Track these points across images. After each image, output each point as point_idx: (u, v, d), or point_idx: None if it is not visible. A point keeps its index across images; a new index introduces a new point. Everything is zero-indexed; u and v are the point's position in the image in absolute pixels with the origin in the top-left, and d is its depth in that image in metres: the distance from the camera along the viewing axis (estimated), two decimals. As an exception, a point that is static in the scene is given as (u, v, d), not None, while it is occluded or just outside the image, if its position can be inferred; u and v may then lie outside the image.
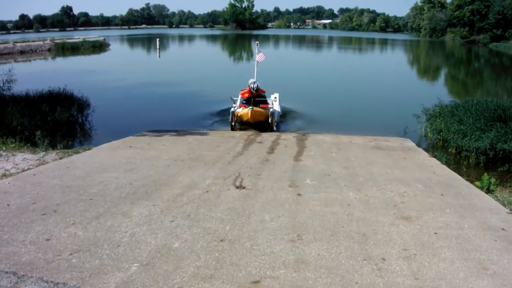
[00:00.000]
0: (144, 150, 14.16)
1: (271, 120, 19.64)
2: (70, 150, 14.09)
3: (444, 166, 13.37)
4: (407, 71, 57.05)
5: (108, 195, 9.29)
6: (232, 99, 20.25)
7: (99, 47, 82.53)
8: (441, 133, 18.24)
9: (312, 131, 19.90)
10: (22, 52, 68.91)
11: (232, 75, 43.83)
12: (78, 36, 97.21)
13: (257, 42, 24.56)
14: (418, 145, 17.52)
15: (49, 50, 72.56)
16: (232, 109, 19.68)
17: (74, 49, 75.20)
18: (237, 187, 10.04)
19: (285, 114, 23.48)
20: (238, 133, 17.99)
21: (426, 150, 16.47)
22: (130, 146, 14.69)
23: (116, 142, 15.63)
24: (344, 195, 9.75)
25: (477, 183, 11.53)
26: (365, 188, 10.33)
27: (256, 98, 19.93)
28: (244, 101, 20.33)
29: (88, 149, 14.27)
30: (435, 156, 14.61)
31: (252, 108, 18.98)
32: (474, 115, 17.72)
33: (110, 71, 45.34)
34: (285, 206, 8.81)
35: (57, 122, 19.08)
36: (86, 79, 37.28)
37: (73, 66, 53.73)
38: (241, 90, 21.40)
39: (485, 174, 11.76)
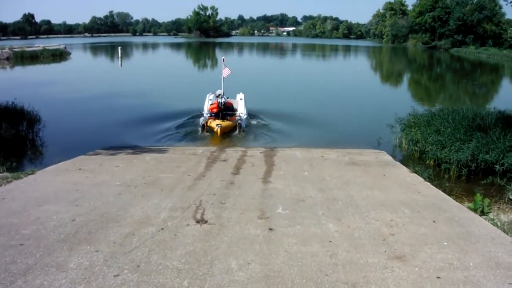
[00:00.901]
0: (95, 173, 12.60)
1: (239, 131, 20.80)
2: (10, 175, 12.43)
3: (428, 183, 12.18)
4: (373, 78, 56.49)
5: (44, 237, 7.69)
6: (202, 113, 21.47)
7: (59, 55, 79.95)
8: (417, 144, 16.99)
9: (280, 143, 18.91)
10: (-23, 61, 66.06)
11: (196, 85, 42.20)
12: (40, 44, 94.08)
13: (224, 58, 24.21)
14: (393, 156, 16.50)
15: (7, 59, 69.77)
16: (202, 122, 20.70)
17: (33, 58, 72.58)
18: (198, 221, 8.55)
19: (251, 118, 23.96)
20: (200, 149, 16.47)
21: (403, 162, 15.22)
22: (80, 168, 13.11)
23: (65, 163, 14.03)
24: (324, 227, 8.36)
25: (469, 204, 10.33)
26: (347, 217, 8.97)
27: (224, 112, 20.84)
28: (213, 115, 20.88)
29: (31, 173, 12.57)
30: (416, 172, 13.32)
31: (221, 126, 19.82)
32: (452, 125, 16.67)
33: (68, 81, 43.22)
34: (255, 247, 7.36)
35: (2, 139, 17.33)
36: (41, 90, 35.42)
37: (29, 76, 51.24)
38: (210, 104, 21.79)
39: (478, 194, 10.61)
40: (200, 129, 20.73)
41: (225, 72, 22.76)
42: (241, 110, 22.57)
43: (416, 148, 17.04)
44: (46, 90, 35.96)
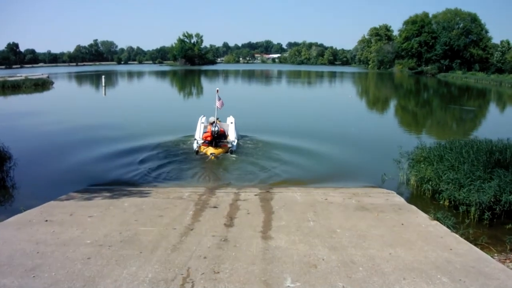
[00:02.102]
0: (63, 226, 10.65)
1: (231, 152, 21.34)
2: (-38, 231, 10.47)
3: (455, 235, 10.37)
4: (363, 105, 54.74)
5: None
6: (196, 140, 22.23)
7: (41, 85, 77.56)
8: (430, 183, 15.10)
9: (275, 180, 17.12)
10: (-43, 90, 63.84)
11: (182, 113, 40.92)
12: (24, 73, 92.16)
13: (218, 89, 24.42)
14: (400, 193, 14.86)
15: (-12, 89, 67.82)
16: (196, 148, 21.46)
17: (15, 88, 70.12)
18: (186, 305, 6.62)
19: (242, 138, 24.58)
20: (186, 192, 14.45)
21: (415, 204, 13.35)
22: (46, 220, 11.18)
23: (30, 212, 12.08)
24: (349, 311, 6.45)
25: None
26: (374, 292, 7.07)
27: (217, 139, 21.37)
28: (207, 142, 21.44)
29: (-12, 228, 10.64)
30: (437, 219, 11.44)
31: (214, 154, 20.51)
32: (468, 160, 14.82)
33: (47, 112, 40.89)
34: None
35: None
36: (17, 122, 33.43)
37: (8, 106, 49.18)
38: (204, 132, 22.19)
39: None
40: (194, 153, 21.29)
41: (220, 104, 23.32)
42: (231, 134, 23.17)
43: (428, 187, 15.13)
44: (23, 121, 33.83)
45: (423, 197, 15.09)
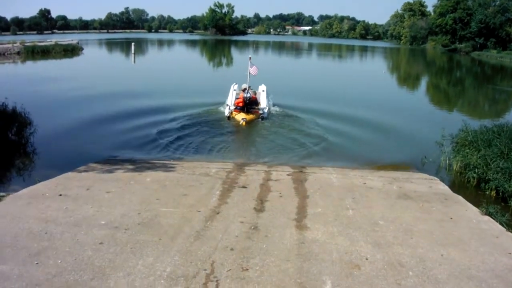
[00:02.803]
0: (77, 203, 9.72)
1: (262, 119, 21.82)
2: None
3: (512, 234, 9.13)
4: (397, 82, 52.78)
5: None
6: (228, 106, 22.84)
7: (71, 51, 77.33)
8: (475, 170, 13.82)
9: (309, 160, 15.90)
10: (-12, 56, 63.55)
11: (213, 82, 39.82)
12: (54, 39, 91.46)
13: (250, 56, 24.49)
14: (442, 180, 13.55)
15: (18, 53, 67.25)
16: (228, 114, 22.01)
17: (44, 53, 70.01)
18: (209, 312, 5.61)
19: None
20: (213, 168, 13.42)
21: (459, 193, 12.17)
22: (60, 194, 10.27)
23: (45, 184, 11.22)
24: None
25: None
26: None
27: (248, 106, 21.73)
28: (238, 108, 21.84)
29: (-2, 200, 9.76)
30: (489, 214, 10.23)
31: (246, 120, 20.83)
32: (522, 146, 13.53)
33: (75, 77, 40.20)
34: None
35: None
36: (44, 87, 32.75)
37: (36, 71, 48.20)
38: (237, 98, 22.54)
39: None
40: (226, 118, 21.85)
41: (253, 70, 23.41)
42: (263, 102, 23.59)
43: (473, 175, 13.85)
44: (48, 87, 33.08)
45: (467, 186, 13.84)
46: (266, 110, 22.75)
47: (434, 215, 9.98)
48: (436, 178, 13.62)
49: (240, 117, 21.13)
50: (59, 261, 6.93)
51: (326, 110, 24.99)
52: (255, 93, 23.73)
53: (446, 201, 11.12)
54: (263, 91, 24.58)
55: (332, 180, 12.55)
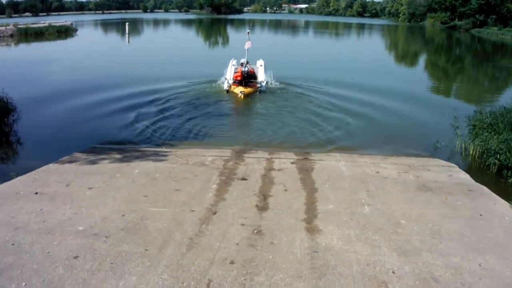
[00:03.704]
0: (54, 202, 8.48)
1: (259, 92, 22.61)
2: None
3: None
4: (397, 60, 51.36)
5: None
6: (226, 80, 23.49)
7: (64, 32, 75.86)
8: (497, 156, 12.55)
9: (311, 140, 15.19)
10: (-19, 39, 62.21)
11: (208, 61, 38.01)
12: (50, 21, 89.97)
13: (248, 31, 26.43)
14: (458, 164, 12.47)
15: (11, 36, 65.82)
16: (226, 88, 22.78)
17: (38, 35, 68.59)
18: None
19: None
20: (209, 156, 12.13)
21: (478, 180, 10.99)
22: (36, 192, 9.01)
23: (21, 180, 9.95)
24: None
25: None
26: None
27: (246, 79, 22.60)
28: (237, 82, 22.58)
29: (-35, 200, 8.51)
30: (521, 208, 9.01)
31: (244, 93, 21.44)
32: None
33: (66, 59, 38.46)
34: None
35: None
36: (31, 71, 31.16)
37: (26, 54, 46.71)
38: (235, 72, 23.31)
39: None
40: (225, 91, 22.59)
41: (248, 44, 24.66)
42: (261, 76, 24.10)
43: (495, 161, 12.59)
44: (38, 70, 31.54)
45: (487, 172, 12.61)
46: (264, 84, 23.42)
47: (461, 211, 8.76)
48: (454, 165, 12.36)
49: (239, 90, 21.75)
50: (24, 283, 5.70)
51: (328, 89, 23.93)
52: (253, 68, 23.98)
53: (470, 193, 9.88)
54: (261, 65, 25.02)
55: (342, 169, 11.30)
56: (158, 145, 13.90)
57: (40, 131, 16.14)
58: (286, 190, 9.48)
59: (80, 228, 7.34)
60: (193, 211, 8.16)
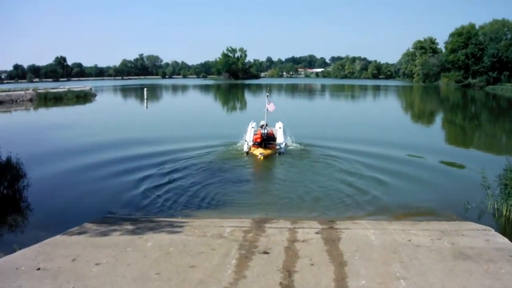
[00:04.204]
0: (57, 281, 7.77)
1: (279, 154, 22.80)
2: None
3: None
4: (414, 119, 50.57)
5: None
6: (246, 141, 23.74)
7: (83, 97, 77.09)
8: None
9: (334, 206, 14.46)
10: (1, 102, 63.14)
11: (226, 126, 38.22)
12: (70, 86, 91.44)
13: (267, 94, 27.16)
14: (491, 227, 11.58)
15: (30, 100, 66.96)
16: (246, 150, 23.02)
17: (57, 100, 69.86)
18: None
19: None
20: (228, 227, 11.35)
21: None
22: (38, 268, 8.32)
23: (24, 253, 9.34)
24: None
25: None
26: None
27: (266, 141, 22.91)
28: (256, 144, 22.86)
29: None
30: None
31: (263, 154, 21.71)
32: None
33: (83, 124, 38.71)
34: None
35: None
36: (47, 135, 31.32)
37: (44, 118, 47.30)
38: (254, 134, 23.67)
39: None
40: (245, 153, 22.81)
41: (271, 107, 25.40)
42: (280, 139, 24.36)
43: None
44: (54, 135, 31.64)
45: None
46: (283, 146, 23.66)
47: (506, 281, 7.87)
48: (489, 228, 11.51)
49: (258, 152, 22.08)
50: None
51: (348, 153, 23.12)
52: (272, 130, 24.58)
53: (513, 259, 8.99)
54: (280, 128, 25.32)
55: (370, 238, 10.45)
56: (173, 216, 13.16)
57: (52, 198, 15.66)
58: (312, 265, 8.65)
59: (82, 316, 6.56)
60: (207, 297, 7.34)
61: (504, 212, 13.28)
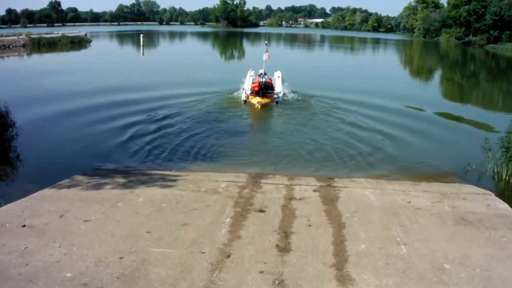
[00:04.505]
0: (43, 238, 7.43)
1: (276, 103, 22.79)
2: None
3: None
4: (415, 76, 49.81)
5: None
6: (244, 90, 24.08)
7: (78, 43, 75.53)
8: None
9: (332, 161, 14.10)
10: (-8, 48, 61.77)
11: (224, 74, 37.62)
12: (64, 31, 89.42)
13: (266, 42, 27.75)
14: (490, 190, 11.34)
15: (23, 45, 65.48)
16: (244, 98, 23.08)
17: (50, 45, 68.31)
18: None
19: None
20: (223, 182, 11.01)
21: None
22: (24, 225, 7.94)
23: (9, 208, 8.93)
24: None
25: None
26: None
27: (264, 90, 22.84)
28: (254, 92, 22.87)
29: None
30: None
31: (261, 103, 21.67)
32: None
33: (77, 71, 37.70)
34: None
35: None
36: (39, 82, 30.50)
37: (36, 64, 46.18)
38: (253, 83, 23.65)
39: None
40: (242, 102, 22.93)
41: (265, 56, 25.28)
42: (278, 87, 24.55)
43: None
44: (46, 81, 30.88)
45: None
46: (281, 95, 23.76)
47: (509, 250, 7.59)
48: (490, 192, 11.14)
49: (256, 100, 22.05)
50: None
51: (348, 105, 22.84)
52: (270, 79, 24.32)
53: (517, 228, 8.70)
54: (278, 77, 25.45)
55: (370, 198, 10.14)
56: (167, 168, 12.77)
57: (43, 148, 15.08)
58: (310, 226, 8.33)
59: (68, 275, 6.25)
60: (203, 252, 7.04)
61: (504, 176, 12.97)
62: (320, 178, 11.85)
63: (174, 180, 11.10)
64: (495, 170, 13.35)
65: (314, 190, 10.57)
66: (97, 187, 10.40)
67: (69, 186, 10.42)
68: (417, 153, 15.47)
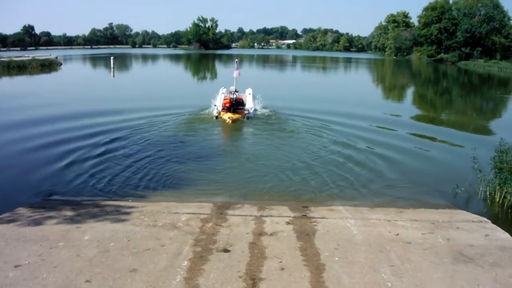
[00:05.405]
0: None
1: (247, 118, 23.17)
2: None
3: None
4: (386, 93, 48.85)
5: None
6: (215, 106, 24.14)
7: (48, 66, 73.77)
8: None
9: (307, 186, 12.90)
10: (-38, 72, 60.11)
11: (194, 94, 36.88)
12: (35, 55, 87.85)
13: (237, 60, 27.35)
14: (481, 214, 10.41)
15: (-7, 69, 63.97)
16: (216, 114, 23.48)
17: (20, 68, 66.48)
18: None
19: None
20: (184, 213, 9.66)
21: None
22: None
23: None
24: None
25: None
26: None
27: (235, 106, 23.38)
28: (225, 108, 23.41)
29: None
30: None
31: (232, 119, 22.21)
32: None
33: (41, 94, 36.02)
34: None
35: None
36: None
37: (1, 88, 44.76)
38: (224, 99, 24.12)
39: None
40: (214, 117, 23.31)
41: (236, 73, 25.85)
42: (249, 104, 25.01)
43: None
44: (8, 104, 29.22)
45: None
46: (251, 111, 24.17)
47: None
48: (485, 219, 10.04)
49: (227, 116, 22.59)
50: None
51: (320, 125, 22.04)
52: (241, 96, 24.76)
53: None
54: (249, 94, 25.92)
55: (351, 231, 8.85)
56: (124, 197, 11.37)
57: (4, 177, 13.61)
58: (282, 269, 6.99)
59: None
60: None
61: (497, 199, 11.89)
62: (294, 207, 10.54)
63: (128, 213, 9.70)
64: (487, 192, 12.19)
65: (288, 223, 9.25)
66: (40, 222, 8.97)
67: (9, 221, 8.98)
68: (400, 175, 14.31)
